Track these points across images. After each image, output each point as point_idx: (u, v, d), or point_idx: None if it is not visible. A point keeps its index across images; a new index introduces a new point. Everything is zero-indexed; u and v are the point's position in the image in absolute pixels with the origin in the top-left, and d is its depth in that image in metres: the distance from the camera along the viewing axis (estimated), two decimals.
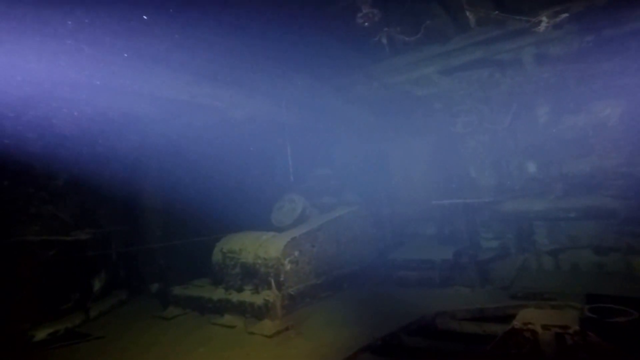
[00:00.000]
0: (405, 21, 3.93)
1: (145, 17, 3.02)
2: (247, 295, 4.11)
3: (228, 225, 5.17)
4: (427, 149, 6.36)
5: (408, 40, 3.91)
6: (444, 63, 5.13)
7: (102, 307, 4.77)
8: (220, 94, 4.43)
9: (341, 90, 5.72)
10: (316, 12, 3.74)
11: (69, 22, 2.74)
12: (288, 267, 4.13)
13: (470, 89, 5.73)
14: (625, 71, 4.31)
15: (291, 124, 5.60)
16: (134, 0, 2.89)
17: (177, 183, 5.79)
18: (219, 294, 4.34)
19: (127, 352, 3.40)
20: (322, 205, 5.49)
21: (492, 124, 5.75)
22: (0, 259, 3.80)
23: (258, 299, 3.90)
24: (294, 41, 4.13)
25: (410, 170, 6.47)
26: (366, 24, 3.34)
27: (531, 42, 4.62)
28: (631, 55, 4.05)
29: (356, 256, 5.25)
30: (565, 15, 3.66)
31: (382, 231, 6.16)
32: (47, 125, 3.83)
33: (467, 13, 3.67)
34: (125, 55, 3.24)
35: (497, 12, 3.69)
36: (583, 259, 4.64)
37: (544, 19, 3.68)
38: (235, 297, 4.15)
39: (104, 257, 5.19)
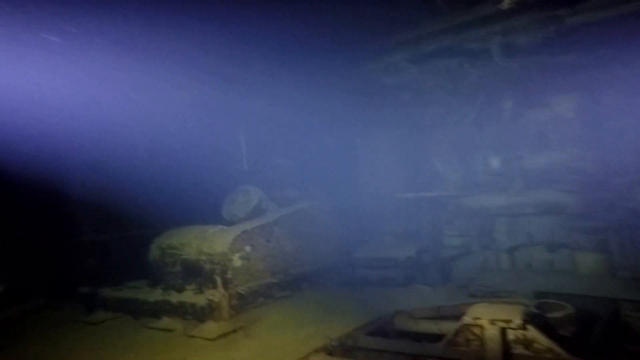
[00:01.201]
0: None
1: None
2: (188, 296, 4.02)
3: (172, 219, 5.04)
4: (396, 142, 6.60)
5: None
6: (413, 50, 5.42)
7: (8, 313, 4.57)
8: (160, 73, 4.28)
9: (306, 77, 5.78)
10: None
11: None
12: (238, 263, 4.07)
13: (439, 79, 6.02)
14: (583, 66, 4.69)
15: (247, 111, 5.53)
16: None
17: (113, 174, 5.52)
18: (156, 295, 4.22)
19: None
20: (282, 198, 5.45)
21: (459, 116, 6.12)
22: None
23: (201, 299, 3.82)
24: (252, 16, 4.12)
25: (378, 164, 6.67)
26: None
27: (499, 31, 4.89)
28: (589, 49, 4.54)
29: (318, 254, 5.29)
30: None
31: (348, 228, 6.27)
32: None
33: None
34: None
35: None
36: (536, 256, 5.05)
37: None
38: (174, 297, 4.05)
39: (14, 256, 4.97)
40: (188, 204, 5.46)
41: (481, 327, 2.37)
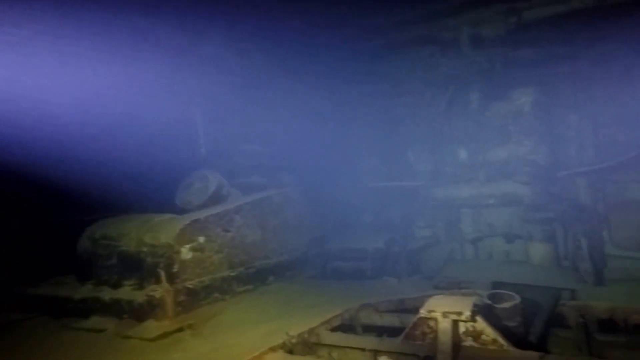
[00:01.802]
0: None
1: None
2: (125, 292, 3.77)
3: (115, 207, 4.71)
4: (371, 131, 6.75)
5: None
6: (388, 37, 5.55)
7: None
8: (103, 45, 4.02)
9: (277, 59, 5.72)
10: None
11: None
12: (187, 255, 3.84)
13: (414, 68, 6.24)
14: (538, 62, 5.05)
15: (205, 91, 5.22)
16: None
17: (44, 154, 4.75)
18: (84, 291, 3.94)
19: None
20: (248, 185, 5.26)
21: (430, 107, 6.35)
22: None
23: (140, 296, 3.58)
24: None
25: (353, 153, 6.84)
26: None
27: (467, 21, 5.33)
28: (543, 45, 4.85)
29: (287, 245, 5.15)
30: None
31: (322, 218, 6.28)
32: None
33: None
34: None
35: None
36: (496, 247, 5.43)
37: None
38: (107, 294, 3.79)
39: None
40: (135, 191, 5.03)
41: (435, 320, 2.57)
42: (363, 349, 2.67)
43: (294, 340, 2.74)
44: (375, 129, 6.75)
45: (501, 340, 2.42)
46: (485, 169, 5.56)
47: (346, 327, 3.50)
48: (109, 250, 4.04)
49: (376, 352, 2.70)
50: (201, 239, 4.02)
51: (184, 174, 4.81)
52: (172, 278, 3.67)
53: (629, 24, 4.22)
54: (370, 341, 2.78)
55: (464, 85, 5.88)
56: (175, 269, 3.72)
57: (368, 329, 3.58)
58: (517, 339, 2.78)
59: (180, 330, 3.33)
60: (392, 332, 3.11)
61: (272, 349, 2.65)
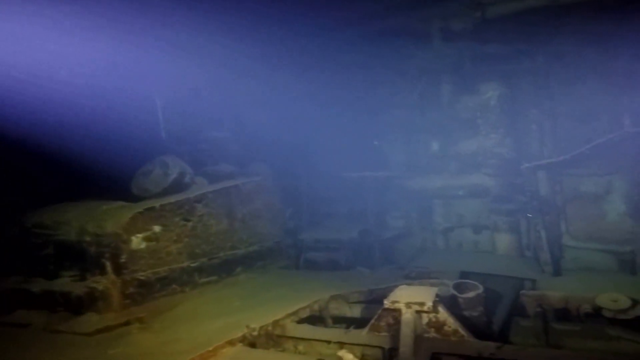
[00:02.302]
0: None
1: None
2: (62, 284, 3.54)
3: (56, 194, 4.34)
4: (347, 121, 6.75)
5: None
6: (363, 27, 5.53)
7: None
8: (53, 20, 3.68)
9: (249, 47, 5.58)
10: None
11: None
12: (140, 245, 3.66)
13: (388, 59, 6.26)
14: (503, 57, 5.22)
15: (168, 74, 4.91)
16: None
17: None
18: (8, 283, 3.71)
19: None
20: (215, 173, 5.05)
21: (404, 98, 6.41)
22: None
23: (79, 288, 3.37)
24: None
25: (328, 143, 6.81)
26: None
27: (437, 14, 5.46)
28: (506, 41, 5.00)
29: (258, 235, 5.02)
30: None
31: (296, 208, 6.20)
32: None
33: None
34: None
35: None
36: (465, 237, 5.62)
37: None
38: (37, 286, 3.54)
39: None
40: (84, 177, 4.65)
41: (399, 311, 2.61)
42: (328, 342, 2.68)
43: (255, 333, 2.68)
44: (350, 118, 6.74)
45: (462, 331, 2.49)
46: (456, 160, 5.70)
47: (316, 319, 3.52)
48: (43, 240, 3.79)
49: (342, 345, 2.73)
50: (157, 228, 3.83)
51: (141, 160, 4.54)
52: (119, 269, 3.48)
53: (580, 22, 4.43)
54: (336, 333, 2.80)
55: (435, 77, 5.98)
56: (124, 259, 3.52)
57: (338, 321, 3.62)
58: (480, 329, 2.89)
59: (126, 324, 3.14)
60: (362, 323, 3.09)
61: (230, 343, 2.56)
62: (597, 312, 2.77)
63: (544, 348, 2.24)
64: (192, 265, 4.11)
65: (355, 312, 3.59)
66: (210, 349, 2.43)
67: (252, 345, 2.68)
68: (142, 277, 3.63)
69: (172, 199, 4.10)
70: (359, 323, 3.24)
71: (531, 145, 5.05)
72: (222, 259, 4.48)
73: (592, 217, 4.47)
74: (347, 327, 3.23)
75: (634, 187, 4.21)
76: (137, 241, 3.66)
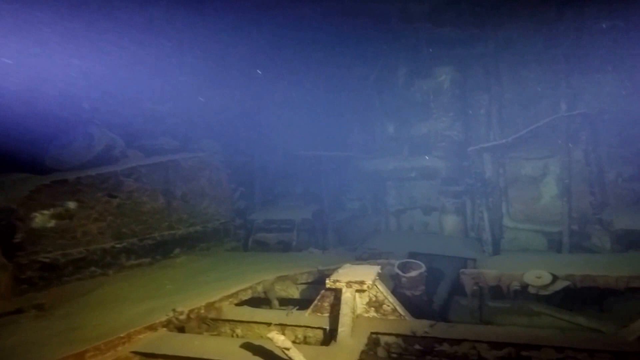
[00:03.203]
0: None
1: None
2: None
3: None
4: (306, 99, 6.63)
5: None
6: (321, 6, 5.35)
7: None
8: None
9: (196, 17, 5.23)
10: None
11: None
12: (48, 223, 3.29)
13: (347, 40, 6.16)
14: (457, 41, 5.32)
15: (98, 40, 4.31)
16: None
17: None
18: None
19: None
20: (153, 147, 4.76)
21: (361, 80, 6.40)
22: None
23: None
24: None
25: (286, 122, 6.69)
26: None
27: None
28: (461, 26, 5.11)
29: (201, 215, 4.77)
30: None
31: (248, 187, 6.03)
32: None
33: None
34: None
35: None
36: (416, 219, 5.86)
37: None
38: None
39: None
40: None
41: (340, 290, 2.61)
42: (269, 324, 2.65)
43: (182, 317, 2.54)
44: (307, 99, 6.65)
45: (400, 310, 2.56)
46: (409, 143, 5.86)
47: (261, 301, 3.49)
48: None
49: (283, 327, 2.72)
50: (71, 205, 3.46)
51: (58, 131, 4.14)
52: (12, 250, 3.10)
53: (528, 9, 4.61)
54: (276, 315, 2.77)
55: (392, 60, 6.01)
56: (19, 239, 3.12)
57: (286, 303, 3.60)
58: (421, 308, 3.01)
59: (19, 311, 2.80)
60: (310, 304, 2.97)
61: (151, 327, 2.39)
62: (524, 289, 2.97)
63: (472, 325, 2.37)
64: (118, 246, 3.78)
65: (304, 293, 3.60)
66: (122, 335, 2.24)
67: (181, 329, 2.54)
68: (46, 260, 3.26)
69: (93, 171, 3.71)
70: (306, 304, 3.20)
71: (479, 129, 5.28)
72: (157, 239, 4.18)
73: (529, 199, 4.79)
74: (296, 309, 3.21)
75: (564, 170, 4.52)
76: (41, 219, 3.26)
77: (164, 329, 2.48)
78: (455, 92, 5.33)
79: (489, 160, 4.85)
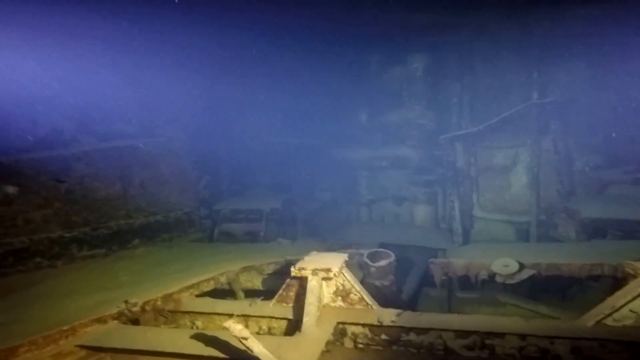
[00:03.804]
0: None
1: None
2: None
3: None
4: (274, 88, 6.47)
5: None
6: None
7: None
8: None
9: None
10: None
11: None
12: None
13: (319, 25, 6.03)
14: (432, 28, 5.30)
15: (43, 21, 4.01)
16: None
17: None
18: None
19: None
20: (109, 132, 4.51)
21: (332, 67, 6.33)
22: None
23: None
24: None
25: (255, 110, 6.53)
26: None
27: None
28: (437, 11, 5.09)
29: (162, 204, 4.62)
30: None
31: (215, 177, 5.88)
32: None
33: None
34: None
35: None
36: (387, 209, 5.89)
37: None
38: None
39: None
40: None
41: (306, 278, 2.53)
42: (231, 315, 2.57)
43: (136, 309, 2.44)
44: (279, 86, 6.53)
45: (367, 299, 2.54)
46: (381, 132, 5.87)
47: (225, 293, 3.39)
48: None
49: (247, 318, 2.64)
50: (9, 189, 3.31)
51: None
52: None
53: None
54: (239, 306, 2.69)
55: (365, 47, 5.97)
56: None
57: (252, 294, 3.52)
58: (389, 298, 3.01)
59: None
60: (269, 295, 2.95)
61: (100, 320, 2.29)
62: (491, 278, 3.02)
63: (439, 313, 2.38)
64: (68, 235, 3.63)
65: (270, 284, 3.52)
66: (65, 328, 2.13)
67: (135, 322, 2.44)
68: None
69: (36, 154, 3.51)
70: (273, 295, 3.12)
71: (451, 117, 5.32)
72: (113, 229, 4.00)
73: (499, 189, 4.88)
74: (261, 299, 3.12)
75: (534, 159, 4.63)
76: None
77: (115, 321, 2.37)
78: (428, 80, 5.37)
79: (461, 149, 4.90)
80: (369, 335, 2.40)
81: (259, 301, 2.79)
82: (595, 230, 3.84)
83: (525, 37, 4.78)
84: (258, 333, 2.51)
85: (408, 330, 2.30)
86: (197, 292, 2.91)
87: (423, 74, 5.35)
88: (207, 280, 3.04)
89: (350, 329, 2.44)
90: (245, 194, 6.34)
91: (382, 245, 4.22)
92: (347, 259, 2.72)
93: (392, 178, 5.82)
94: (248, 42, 6.19)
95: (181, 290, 2.75)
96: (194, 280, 2.91)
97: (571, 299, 3.44)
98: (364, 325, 2.41)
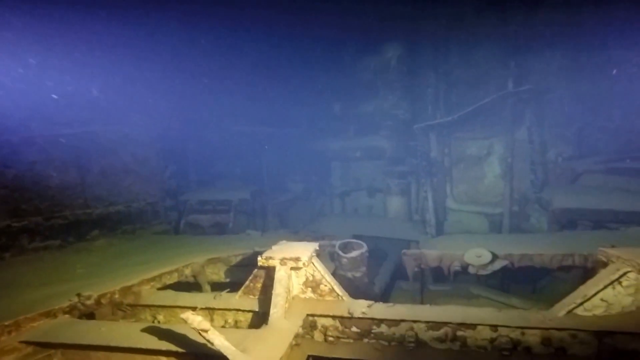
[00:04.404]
0: None
1: None
2: None
3: None
4: (246, 76, 6.29)
5: None
6: None
7: None
8: None
9: None
10: None
11: None
12: None
13: (292, 12, 5.91)
14: (406, 16, 5.31)
15: None
16: None
17: None
18: None
19: None
20: (63, 120, 4.05)
21: (306, 56, 6.23)
22: None
23: None
24: None
25: (224, 100, 6.32)
26: None
27: None
28: (410, 2, 5.11)
29: (124, 193, 4.45)
30: None
31: (182, 166, 5.68)
32: None
33: None
34: None
35: None
36: (361, 201, 5.90)
37: None
38: None
39: None
40: None
41: (274, 268, 2.43)
42: (194, 308, 2.45)
43: (90, 302, 2.29)
44: (250, 74, 6.36)
45: (338, 290, 2.48)
46: (355, 122, 5.84)
47: (191, 286, 3.26)
48: None
49: (212, 311, 2.53)
50: None
51: None
52: None
53: None
54: (202, 299, 2.58)
55: (340, 35, 5.90)
56: None
57: (220, 287, 3.40)
58: (361, 290, 2.96)
59: None
60: (235, 287, 2.80)
61: (48, 314, 2.15)
62: (464, 269, 3.03)
63: (410, 305, 2.34)
64: (16, 225, 3.43)
65: (238, 276, 3.40)
66: (7, 323, 1.98)
67: (90, 316, 2.30)
68: None
69: None
70: (240, 287, 3.07)
71: (426, 108, 5.32)
72: (69, 219, 3.81)
73: (473, 180, 4.94)
74: (227, 292, 3.00)
75: (508, 150, 4.69)
76: None
77: (66, 315, 2.22)
78: (403, 70, 5.36)
79: (435, 139, 4.92)
80: (340, 327, 2.35)
81: (224, 293, 2.67)
82: (568, 221, 3.89)
83: (503, 26, 4.80)
84: (224, 327, 2.41)
85: (379, 322, 2.26)
86: (159, 285, 2.78)
87: (397, 64, 5.35)
88: (170, 272, 2.91)
89: (321, 321, 2.37)
90: (215, 184, 6.18)
91: (355, 237, 4.15)
92: (317, 248, 2.63)
93: (365, 169, 5.82)
94: (220, 31, 5.98)
95: (141, 283, 2.62)
96: (155, 273, 2.78)
97: (541, 291, 3.52)
98: (334, 317, 2.34)
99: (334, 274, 2.96)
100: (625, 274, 2.13)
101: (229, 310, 2.51)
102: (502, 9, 4.79)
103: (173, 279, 2.95)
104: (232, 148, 6.12)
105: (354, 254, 2.97)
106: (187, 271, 3.13)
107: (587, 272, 2.87)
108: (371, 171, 5.78)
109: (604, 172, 4.38)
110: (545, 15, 4.65)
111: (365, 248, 2.99)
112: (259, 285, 2.60)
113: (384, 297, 3.41)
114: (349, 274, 3.05)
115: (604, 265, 2.36)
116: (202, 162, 6.05)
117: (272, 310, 2.23)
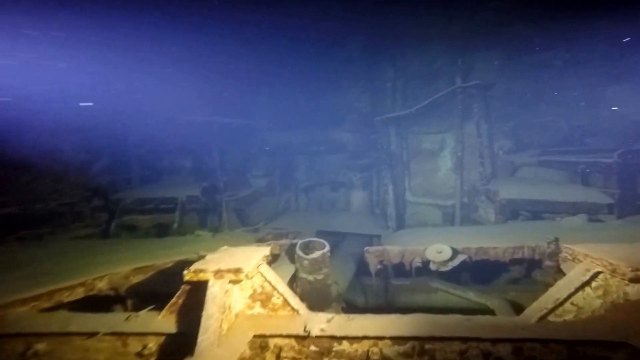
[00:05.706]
0: None
1: None
2: None
3: None
4: (202, 67, 5.55)
5: None
6: None
7: None
8: None
9: None
10: None
11: None
12: None
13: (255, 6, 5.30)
14: (368, 9, 4.93)
15: None
16: None
17: None
18: None
19: None
20: None
21: (269, 47, 5.67)
22: None
23: None
24: None
25: (170, 87, 5.51)
26: None
27: None
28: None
29: (32, 191, 3.76)
30: None
31: (119, 160, 4.98)
32: None
33: None
34: None
35: None
36: (324, 196, 5.59)
37: None
38: None
39: None
40: None
41: (206, 283, 1.87)
42: (95, 334, 1.83)
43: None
44: (206, 60, 5.66)
45: (292, 302, 2.01)
46: (319, 114, 5.50)
47: (111, 301, 2.62)
48: None
49: (124, 336, 1.91)
50: None
51: None
52: None
53: None
54: (111, 320, 1.95)
55: (304, 27, 5.40)
56: None
57: (148, 302, 2.76)
58: (323, 294, 2.54)
59: None
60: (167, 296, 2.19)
61: None
62: (425, 265, 2.76)
63: (373, 315, 1.93)
64: None
65: (176, 288, 2.80)
66: None
67: None
68: None
69: None
70: (164, 296, 2.44)
71: (385, 101, 5.11)
72: None
73: (428, 173, 4.81)
74: (151, 309, 2.35)
75: (459, 144, 4.56)
76: None
77: None
78: (364, 63, 5.17)
79: (394, 133, 4.73)
80: (296, 347, 1.89)
81: (142, 313, 2.05)
82: (511, 212, 3.84)
83: (452, 25, 4.66)
84: (141, 354, 1.82)
85: (340, 339, 1.82)
86: (48, 304, 2.09)
87: (360, 56, 5.10)
88: (70, 287, 2.23)
89: (273, 342, 1.88)
90: (161, 180, 5.42)
91: (318, 233, 3.80)
92: (267, 254, 2.12)
93: (328, 163, 5.52)
94: (172, 16, 5.15)
95: (12, 304, 1.92)
96: (41, 290, 2.08)
97: (489, 283, 3.35)
98: (288, 336, 1.86)
99: (295, 276, 2.55)
100: (596, 275, 1.87)
101: (148, 334, 1.90)
102: (450, 7, 4.67)
103: (76, 295, 2.28)
104: (182, 140, 5.35)
105: (316, 255, 2.53)
106: (102, 284, 2.45)
107: (535, 263, 2.74)
108: (334, 165, 5.51)
109: (536, 165, 4.40)
110: (485, 16, 4.56)
111: (327, 248, 2.56)
112: (189, 302, 2.01)
113: (346, 296, 3.02)
114: (310, 277, 2.60)
115: (570, 261, 2.10)
116: (147, 156, 5.25)
117: (199, 338, 1.68)
